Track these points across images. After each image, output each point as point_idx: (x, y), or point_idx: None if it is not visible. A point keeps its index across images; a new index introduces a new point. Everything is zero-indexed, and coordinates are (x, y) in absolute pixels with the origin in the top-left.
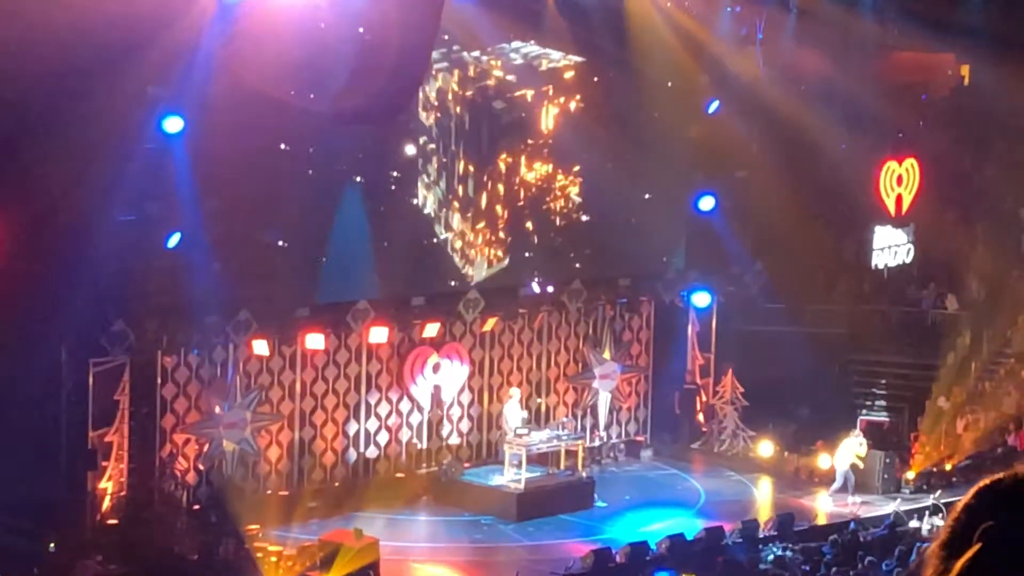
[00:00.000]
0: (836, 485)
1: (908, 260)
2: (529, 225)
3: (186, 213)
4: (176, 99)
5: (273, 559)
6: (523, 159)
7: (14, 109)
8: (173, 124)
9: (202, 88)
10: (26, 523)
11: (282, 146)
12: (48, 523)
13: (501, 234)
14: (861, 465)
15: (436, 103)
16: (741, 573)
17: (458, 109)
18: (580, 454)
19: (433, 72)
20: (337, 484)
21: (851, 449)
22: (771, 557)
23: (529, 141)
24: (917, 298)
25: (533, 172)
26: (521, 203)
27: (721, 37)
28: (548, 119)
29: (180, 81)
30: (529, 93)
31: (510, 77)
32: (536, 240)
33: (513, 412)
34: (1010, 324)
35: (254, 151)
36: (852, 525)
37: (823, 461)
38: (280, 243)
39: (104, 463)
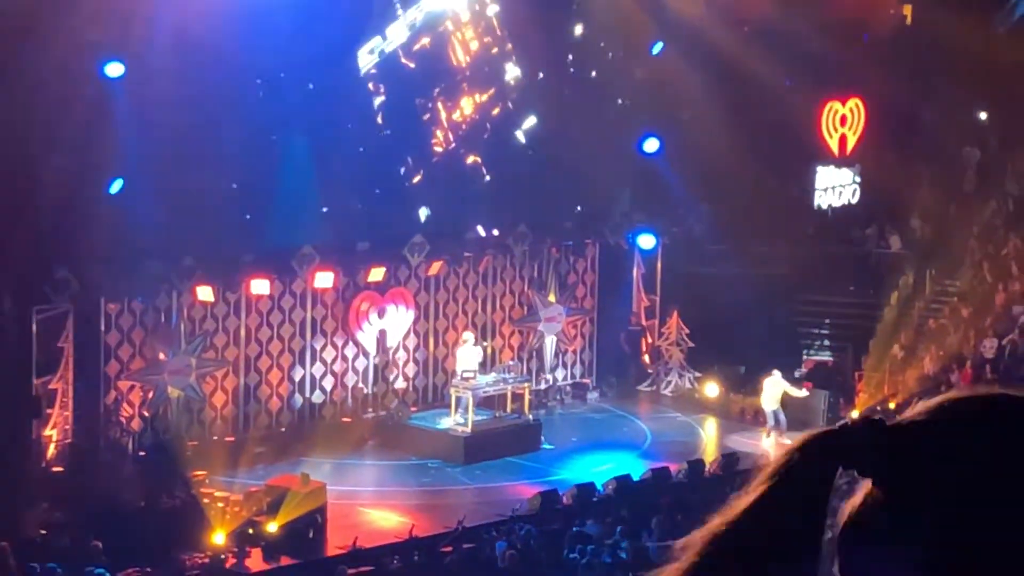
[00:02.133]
0: (769, 424)
1: (853, 200)
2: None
3: (128, 159)
4: (117, 44)
5: (220, 505)
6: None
7: None
8: (114, 69)
9: (143, 33)
10: None
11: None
12: None
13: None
14: (796, 394)
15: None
16: (687, 512)
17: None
18: (526, 397)
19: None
20: (283, 429)
21: (773, 389)
22: (717, 496)
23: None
24: (861, 238)
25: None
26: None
27: None
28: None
29: (120, 26)
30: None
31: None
32: (481, 183)
33: (467, 355)
34: (953, 263)
35: (197, 96)
36: None
37: (801, 391)
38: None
39: (48, 411)
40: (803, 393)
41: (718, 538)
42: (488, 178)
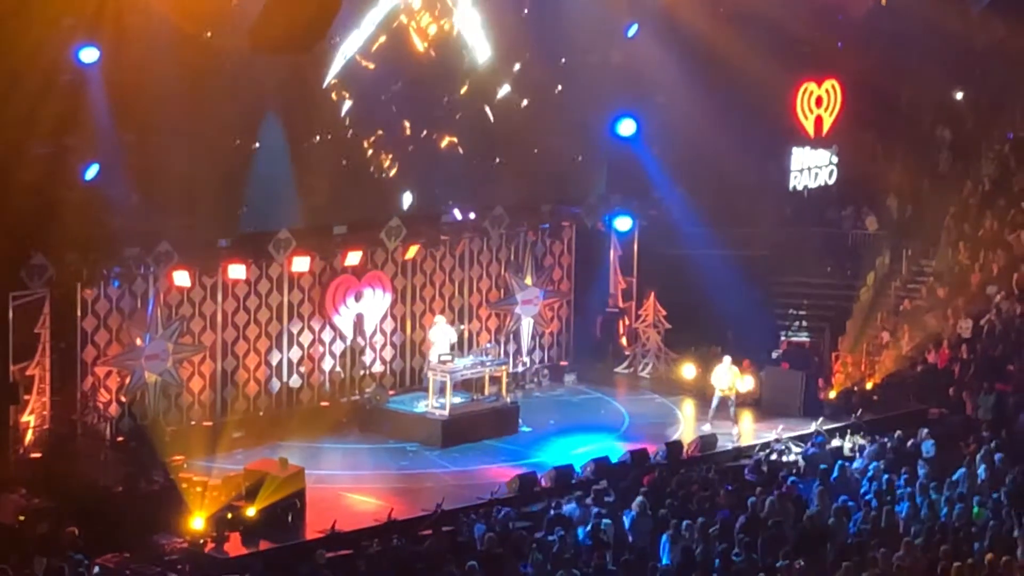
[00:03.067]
0: (711, 410)
1: (830, 181)
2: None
3: (104, 145)
4: (92, 29)
5: (198, 490)
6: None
7: None
8: (89, 55)
9: (117, 19)
10: None
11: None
12: None
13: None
14: (742, 388)
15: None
16: (667, 495)
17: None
18: (504, 380)
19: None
20: (261, 414)
21: (723, 375)
22: (695, 477)
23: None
24: (837, 219)
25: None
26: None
27: None
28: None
29: (95, 11)
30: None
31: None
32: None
33: (440, 337)
34: (929, 244)
35: (172, 81)
36: (776, 445)
37: (745, 382)
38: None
39: (26, 396)
40: (749, 386)
41: None
42: (462, 151)
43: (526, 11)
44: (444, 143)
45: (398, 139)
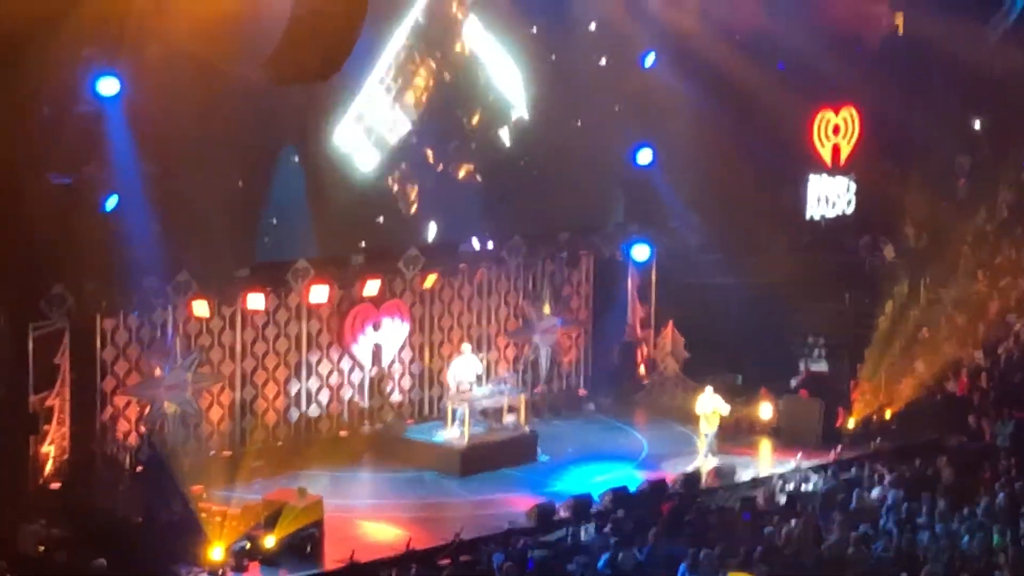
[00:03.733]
0: (707, 443)
1: (848, 210)
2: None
3: (123, 175)
4: (111, 60)
5: (217, 519)
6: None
7: None
8: (108, 86)
9: (137, 49)
10: None
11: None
12: None
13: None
14: (717, 420)
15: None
16: (686, 523)
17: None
18: (522, 408)
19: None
20: (280, 443)
21: (706, 405)
22: (713, 506)
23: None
24: (855, 247)
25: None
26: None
27: None
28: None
29: (114, 42)
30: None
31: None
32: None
33: (465, 366)
34: (947, 272)
35: (191, 112)
36: (795, 475)
37: (764, 411)
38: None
39: (45, 427)
40: (727, 409)
41: None
42: (479, 179)
43: (534, 29)
44: (462, 173)
45: (422, 169)
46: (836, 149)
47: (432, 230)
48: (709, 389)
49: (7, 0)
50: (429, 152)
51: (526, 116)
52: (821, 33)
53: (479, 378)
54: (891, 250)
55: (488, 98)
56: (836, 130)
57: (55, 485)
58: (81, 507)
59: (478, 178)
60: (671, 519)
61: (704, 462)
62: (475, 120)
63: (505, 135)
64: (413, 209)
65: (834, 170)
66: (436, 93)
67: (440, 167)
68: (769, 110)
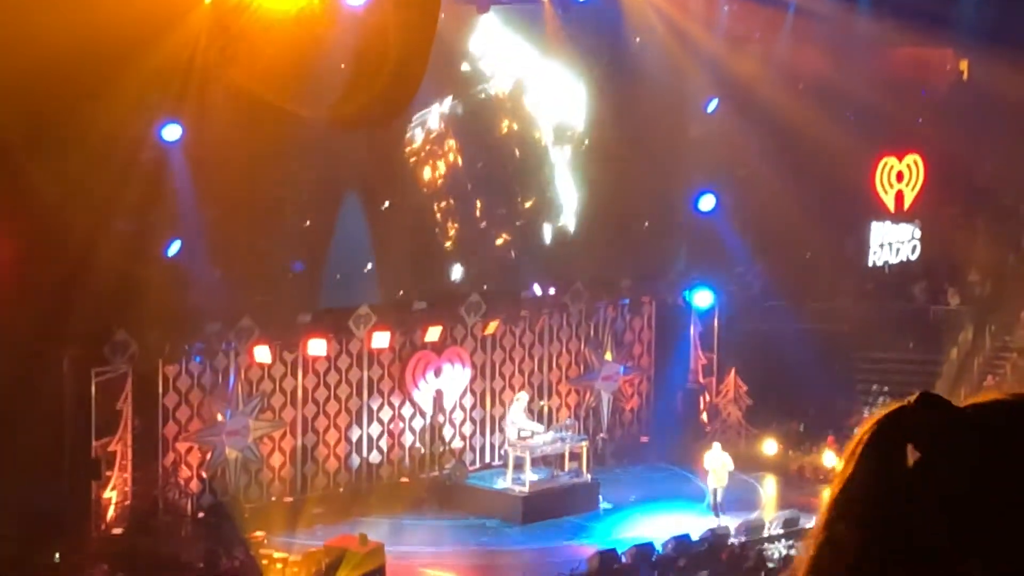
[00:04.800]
0: (712, 502)
1: (912, 256)
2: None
3: (186, 221)
4: (175, 107)
5: (279, 566)
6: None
7: (14, 119)
8: (172, 132)
9: (200, 96)
10: (31, 533)
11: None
12: (53, 533)
13: (505, 236)
14: (726, 476)
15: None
16: (746, 571)
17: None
18: (584, 456)
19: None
20: (341, 490)
21: (715, 462)
22: (776, 555)
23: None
24: (919, 294)
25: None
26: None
27: (719, 35)
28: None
29: (179, 89)
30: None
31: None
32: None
33: (520, 415)
34: (1012, 319)
35: (253, 157)
36: None
37: (827, 458)
38: (298, 267)
39: (108, 473)
40: (732, 466)
41: (827, 521)
42: (513, 255)
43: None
44: (500, 240)
45: (466, 215)
46: (900, 195)
47: (458, 272)
48: (717, 445)
49: (73, 48)
50: (478, 203)
51: (571, 230)
52: (885, 80)
53: (537, 424)
54: (956, 296)
55: (546, 192)
56: (900, 176)
57: (117, 531)
58: (143, 553)
59: (512, 254)
60: (730, 566)
61: (715, 519)
62: (528, 204)
63: (548, 232)
64: (448, 244)
65: (897, 216)
66: (501, 141)
67: (483, 224)
68: (832, 156)
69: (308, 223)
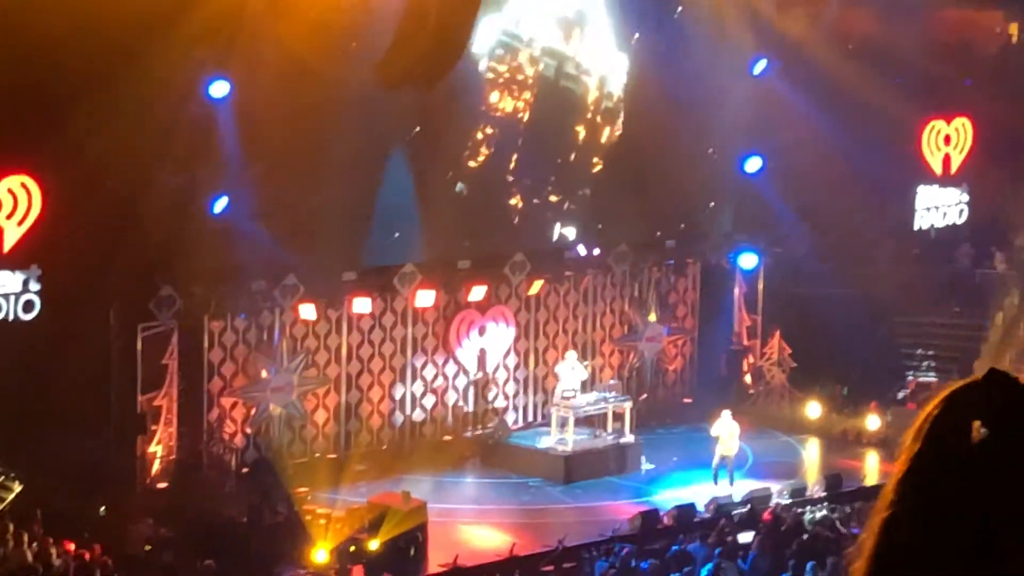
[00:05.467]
0: (714, 465)
1: (959, 220)
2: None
3: (233, 177)
4: (222, 63)
5: (322, 522)
6: (574, 124)
7: (62, 74)
8: (219, 88)
9: (248, 52)
10: (77, 487)
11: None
12: (99, 487)
13: (552, 197)
14: (736, 444)
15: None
16: (786, 533)
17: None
18: (627, 416)
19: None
20: (384, 447)
21: (725, 430)
22: (818, 516)
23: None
24: (965, 258)
25: (585, 135)
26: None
27: None
28: (600, 85)
29: (226, 44)
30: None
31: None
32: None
33: (569, 374)
34: None
35: (300, 115)
36: None
37: (871, 422)
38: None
39: (153, 427)
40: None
41: (894, 501)
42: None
43: (636, 35)
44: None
45: (533, 173)
46: (947, 159)
47: (505, 230)
48: (727, 413)
49: (124, 4)
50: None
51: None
52: (934, 42)
53: (583, 385)
54: (1003, 261)
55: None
56: (947, 140)
57: (162, 485)
58: (187, 507)
59: (566, 205)
60: (772, 529)
61: (724, 488)
62: (572, 157)
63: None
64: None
65: (945, 180)
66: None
67: (528, 182)
68: (879, 119)
69: (354, 180)
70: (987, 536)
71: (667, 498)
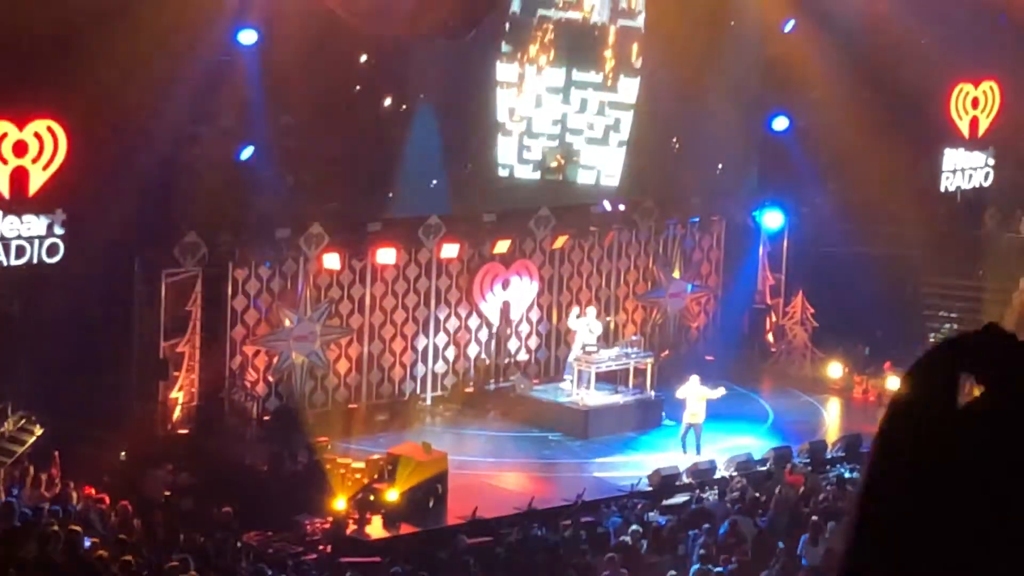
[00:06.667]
0: (682, 434)
1: (986, 183)
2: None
3: (259, 126)
4: (250, 11)
5: (341, 471)
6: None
7: (88, 18)
8: (247, 36)
9: (277, 1)
10: (98, 432)
11: (362, 58)
12: (120, 432)
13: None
14: (714, 395)
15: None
16: (805, 493)
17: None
18: (649, 372)
19: None
20: (405, 398)
21: (692, 395)
22: (834, 475)
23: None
24: (991, 221)
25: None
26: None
27: None
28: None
29: None
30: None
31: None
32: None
33: (586, 328)
34: None
35: (328, 64)
36: None
37: (892, 383)
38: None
39: (175, 373)
40: (720, 392)
41: (874, 453)
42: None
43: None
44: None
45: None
46: (974, 122)
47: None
48: (695, 378)
49: None
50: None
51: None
52: (963, 4)
53: (598, 340)
54: None
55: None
56: (975, 103)
57: (183, 431)
58: (208, 454)
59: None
60: (792, 488)
61: (690, 457)
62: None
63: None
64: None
65: (972, 143)
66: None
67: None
68: (907, 81)
69: (381, 131)
70: (973, 491)
71: (688, 455)
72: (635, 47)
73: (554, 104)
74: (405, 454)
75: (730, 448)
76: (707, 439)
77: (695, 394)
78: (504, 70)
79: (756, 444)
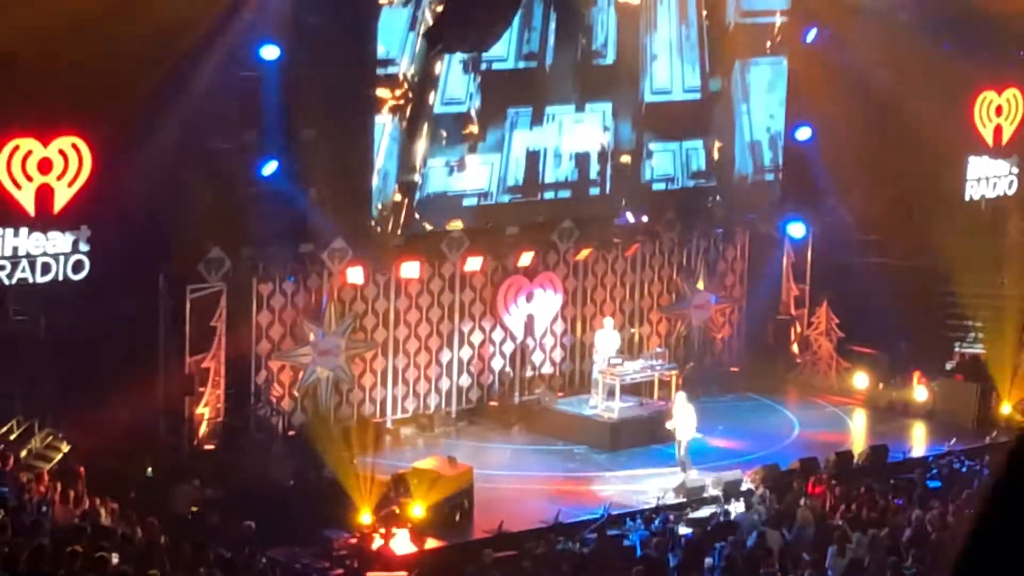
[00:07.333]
0: (680, 456)
1: (1010, 192)
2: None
3: (282, 141)
4: (272, 26)
5: (367, 486)
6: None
7: (111, 37)
8: (270, 52)
9: (298, 16)
10: (124, 447)
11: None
12: (146, 448)
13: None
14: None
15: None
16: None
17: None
18: (673, 384)
19: None
20: (431, 412)
21: (684, 412)
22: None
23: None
24: (1015, 230)
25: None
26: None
27: None
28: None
29: (276, 7)
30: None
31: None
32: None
33: (605, 340)
34: None
35: (349, 79)
36: (947, 458)
37: (918, 393)
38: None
39: (201, 389)
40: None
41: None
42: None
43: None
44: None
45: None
46: (998, 130)
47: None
48: (682, 395)
49: None
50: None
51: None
52: (986, 13)
53: (621, 352)
54: None
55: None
56: (999, 111)
57: (209, 446)
58: (234, 469)
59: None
60: (819, 500)
61: (682, 475)
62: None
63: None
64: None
65: (995, 151)
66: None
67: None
68: (931, 90)
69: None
70: None
71: (711, 467)
72: None
73: None
74: (431, 468)
75: (755, 460)
76: (734, 452)
77: (682, 411)
78: None
79: (782, 455)
